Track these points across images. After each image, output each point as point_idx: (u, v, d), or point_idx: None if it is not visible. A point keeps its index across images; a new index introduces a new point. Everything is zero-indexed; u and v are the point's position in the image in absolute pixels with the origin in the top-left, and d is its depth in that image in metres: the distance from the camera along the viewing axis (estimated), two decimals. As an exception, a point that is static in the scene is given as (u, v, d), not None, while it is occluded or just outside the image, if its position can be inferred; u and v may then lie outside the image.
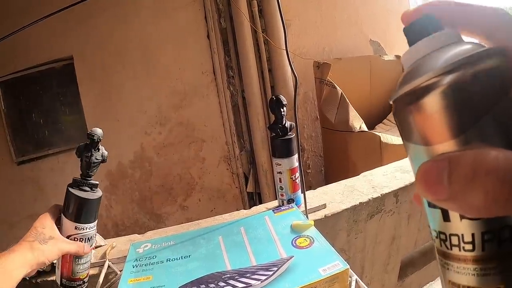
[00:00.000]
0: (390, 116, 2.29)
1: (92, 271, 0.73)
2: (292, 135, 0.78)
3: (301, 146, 1.62)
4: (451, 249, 0.20)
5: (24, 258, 0.51)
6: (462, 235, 0.19)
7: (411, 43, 0.22)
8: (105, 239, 0.87)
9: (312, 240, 0.56)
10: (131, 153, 2.22)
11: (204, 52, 2.15)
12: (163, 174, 2.26)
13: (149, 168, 2.24)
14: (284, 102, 0.78)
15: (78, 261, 0.61)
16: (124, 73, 2.12)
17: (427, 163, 0.18)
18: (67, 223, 0.58)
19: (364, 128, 1.89)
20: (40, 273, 0.74)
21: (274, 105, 0.78)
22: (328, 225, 0.86)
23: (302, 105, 2.46)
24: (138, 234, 0.90)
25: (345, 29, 2.59)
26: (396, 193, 0.96)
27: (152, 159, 2.24)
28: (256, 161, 2.22)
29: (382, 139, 1.74)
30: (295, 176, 0.79)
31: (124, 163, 2.21)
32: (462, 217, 0.19)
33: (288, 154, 0.78)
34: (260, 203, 2.16)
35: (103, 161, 0.61)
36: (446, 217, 0.20)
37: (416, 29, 0.22)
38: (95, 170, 0.60)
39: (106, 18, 2.05)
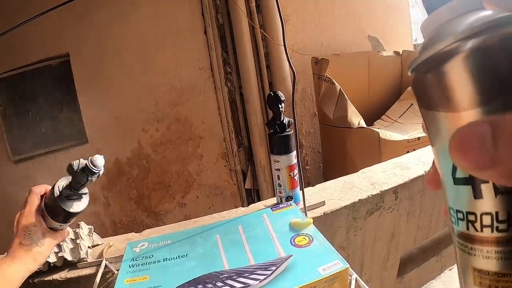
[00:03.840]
0: (389, 112, 2.29)
1: (89, 271, 0.73)
2: (290, 131, 0.77)
3: (299, 142, 1.61)
4: (482, 230, 0.18)
5: (27, 267, 0.53)
6: (497, 213, 0.17)
7: (429, 11, 0.20)
8: (102, 237, 0.86)
9: (311, 239, 0.55)
10: (128, 151, 2.21)
11: (201, 48, 2.13)
12: (161, 171, 2.25)
13: (147, 166, 2.23)
14: (282, 98, 0.77)
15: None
16: (121, 70, 2.10)
17: (464, 128, 0.16)
18: (52, 222, 0.59)
19: (363, 124, 1.88)
20: (37, 273, 0.74)
21: (272, 101, 0.77)
22: (327, 223, 0.86)
23: (300, 101, 2.44)
24: (136, 232, 0.89)
25: (343, 24, 2.57)
26: (395, 190, 0.95)
27: (150, 156, 2.22)
28: (254, 158, 2.21)
29: (381, 135, 1.73)
30: (293, 173, 0.78)
31: (121, 161, 2.20)
32: (497, 192, 0.17)
33: (286, 151, 0.77)
34: (259, 200, 2.16)
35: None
36: (477, 194, 0.18)
37: None
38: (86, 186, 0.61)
39: (103, 15, 2.02)
